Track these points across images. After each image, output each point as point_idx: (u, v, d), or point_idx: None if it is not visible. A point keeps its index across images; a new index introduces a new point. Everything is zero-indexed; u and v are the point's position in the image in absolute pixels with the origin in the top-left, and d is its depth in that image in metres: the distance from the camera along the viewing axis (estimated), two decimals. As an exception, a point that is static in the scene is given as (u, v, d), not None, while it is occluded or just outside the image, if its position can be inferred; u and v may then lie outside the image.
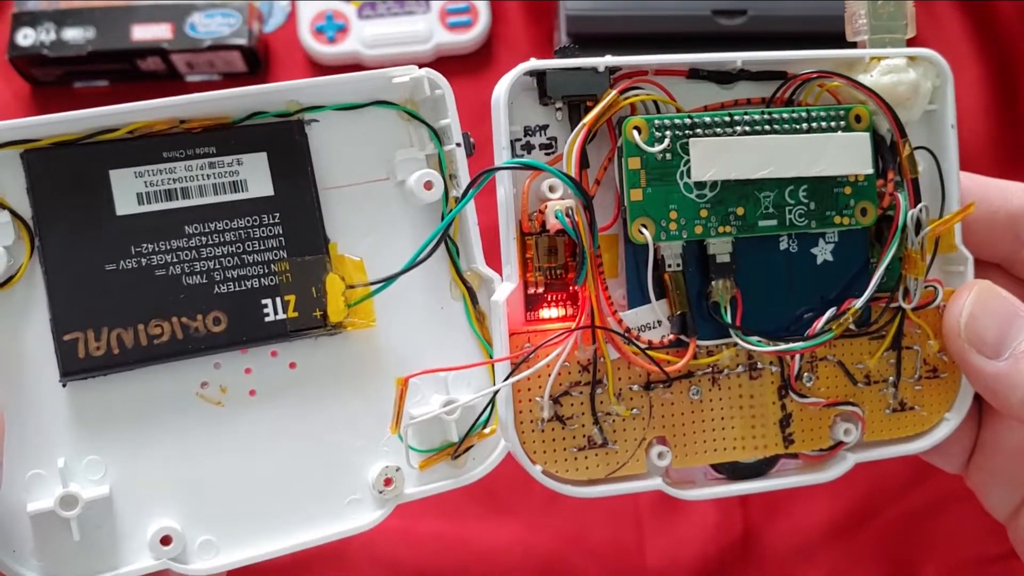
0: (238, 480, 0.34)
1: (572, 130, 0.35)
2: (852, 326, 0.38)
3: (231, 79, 0.71)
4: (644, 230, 0.35)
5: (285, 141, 0.35)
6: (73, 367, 0.33)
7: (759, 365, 0.38)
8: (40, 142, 0.33)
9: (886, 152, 0.38)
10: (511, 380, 0.34)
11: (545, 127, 0.36)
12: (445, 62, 0.72)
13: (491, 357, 0.36)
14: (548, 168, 0.35)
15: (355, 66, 0.71)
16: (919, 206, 0.37)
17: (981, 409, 0.40)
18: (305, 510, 0.34)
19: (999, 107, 0.68)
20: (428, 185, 0.35)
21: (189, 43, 0.68)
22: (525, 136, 0.36)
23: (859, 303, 0.37)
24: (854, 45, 0.39)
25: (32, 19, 0.69)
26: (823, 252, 0.38)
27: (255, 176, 0.34)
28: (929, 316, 0.39)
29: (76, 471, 0.33)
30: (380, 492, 0.34)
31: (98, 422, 0.33)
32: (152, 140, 0.34)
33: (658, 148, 0.35)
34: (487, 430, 0.35)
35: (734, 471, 0.38)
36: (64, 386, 0.33)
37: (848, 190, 0.37)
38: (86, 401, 0.33)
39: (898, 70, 0.38)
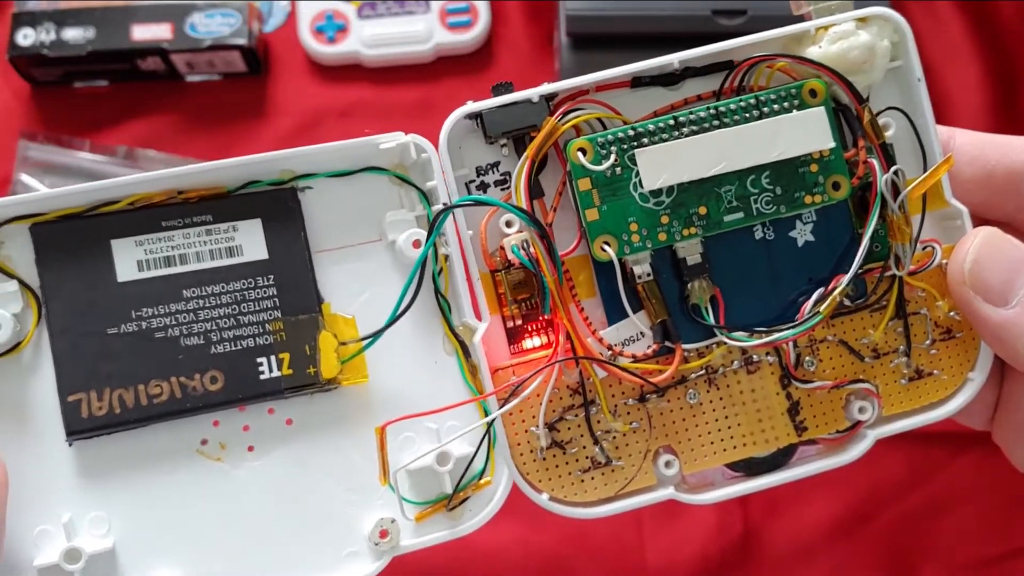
0: (238, 534, 0.35)
1: (520, 163, 0.36)
2: (848, 302, 0.37)
3: (231, 79, 0.72)
4: (607, 247, 0.36)
5: (279, 208, 0.36)
6: (77, 427, 0.34)
7: (755, 358, 0.37)
8: (47, 216, 0.35)
9: (852, 120, 0.37)
10: (491, 417, 0.35)
11: (496, 164, 0.37)
12: (445, 62, 0.72)
13: (476, 400, 0.36)
14: (497, 202, 0.36)
15: (355, 66, 0.72)
16: (892, 169, 0.36)
17: (1004, 363, 0.38)
18: (304, 563, 0.35)
19: (999, 107, 0.66)
20: (416, 244, 0.36)
21: (189, 43, 0.68)
22: (478, 176, 0.37)
23: (845, 281, 0.36)
24: (802, 18, 0.38)
25: (32, 19, 0.69)
26: (802, 234, 0.37)
27: (250, 241, 0.36)
28: (932, 277, 0.37)
29: (81, 526, 0.34)
30: (376, 544, 0.35)
31: (102, 479, 0.35)
32: (151, 210, 0.36)
33: (606, 165, 0.35)
34: (483, 481, 0.36)
35: (750, 467, 0.38)
36: (70, 445, 0.34)
37: (815, 168, 0.36)
38: (90, 459, 0.35)
39: (847, 35, 0.37)
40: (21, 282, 0.35)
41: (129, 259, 0.35)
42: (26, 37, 0.69)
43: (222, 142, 0.71)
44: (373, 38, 0.70)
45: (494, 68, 0.72)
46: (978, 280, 0.35)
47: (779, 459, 0.38)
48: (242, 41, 0.68)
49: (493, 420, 0.35)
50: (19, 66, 0.70)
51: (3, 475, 0.32)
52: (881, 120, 0.37)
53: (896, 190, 0.36)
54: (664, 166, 0.35)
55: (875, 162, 0.36)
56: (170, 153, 0.70)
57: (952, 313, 0.38)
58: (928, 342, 0.38)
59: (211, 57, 0.69)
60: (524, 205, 0.35)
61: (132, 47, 0.69)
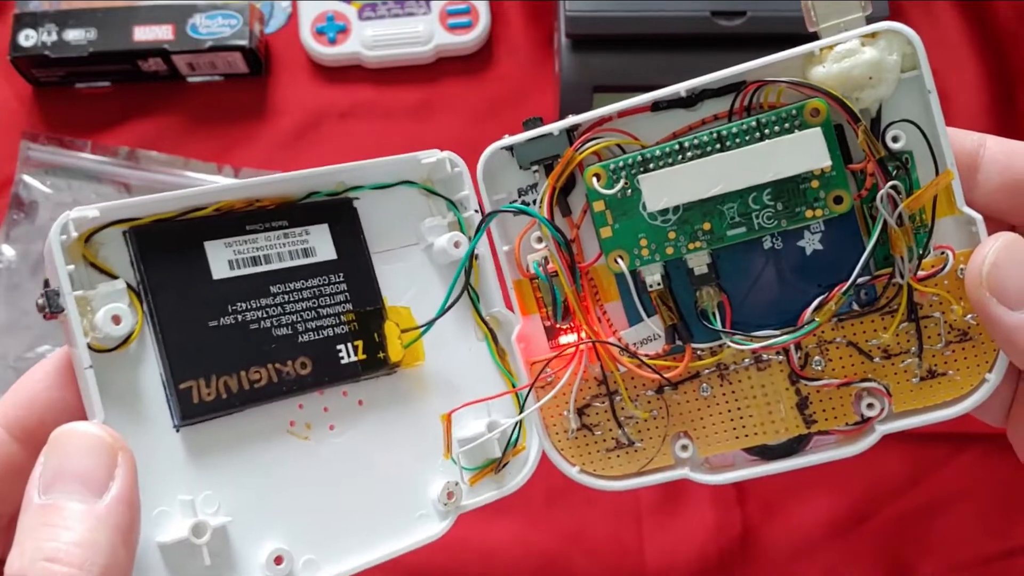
0: (327, 504, 0.40)
1: (552, 186, 0.42)
2: (856, 306, 0.40)
3: (232, 80, 0.72)
4: (619, 260, 0.40)
5: (341, 214, 0.42)
6: (190, 412, 0.37)
7: (764, 357, 0.41)
8: (143, 220, 0.38)
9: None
10: (534, 407, 0.42)
11: (534, 186, 0.43)
12: (445, 63, 0.73)
13: (513, 386, 0.43)
14: (533, 212, 0.41)
15: (356, 67, 0.72)
16: (888, 185, 0.38)
17: None
18: (383, 526, 0.41)
19: (999, 107, 0.62)
20: (457, 244, 0.43)
21: (190, 44, 0.69)
22: (519, 197, 0.43)
23: (841, 291, 0.39)
24: (816, 37, 0.40)
25: (34, 20, 0.69)
26: (811, 243, 0.40)
27: (320, 243, 0.42)
28: (948, 282, 0.39)
29: (195, 505, 0.37)
30: (444, 505, 0.42)
31: (207, 461, 0.38)
32: (235, 215, 0.39)
33: (616, 188, 0.40)
34: (518, 447, 0.42)
35: (765, 452, 0.42)
36: (178, 431, 0.37)
37: (815, 184, 0.39)
38: (195, 443, 0.38)
39: (851, 54, 0.38)
40: (128, 284, 0.37)
41: (221, 259, 0.39)
42: (28, 38, 0.69)
43: (223, 143, 0.72)
44: (374, 39, 0.71)
45: (494, 69, 0.72)
46: (994, 282, 0.36)
47: (793, 446, 0.42)
48: (243, 42, 0.69)
49: (531, 410, 0.42)
50: (21, 67, 0.71)
51: (132, 465, 0.34)
52: (892, 132, 0.39)
53: (895, 203, 0.38)
54: (665, 189, 0.39)
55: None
56: (172, 154, 0.71)
57: (969, 317, 0.39)
58: (942, 344, 0.39)
59: (212, 58, 0.70)
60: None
61: (134, 48, 0.69)
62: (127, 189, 0.72)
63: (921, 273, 0.39)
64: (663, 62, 0.66)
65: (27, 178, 0.72)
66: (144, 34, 0.70)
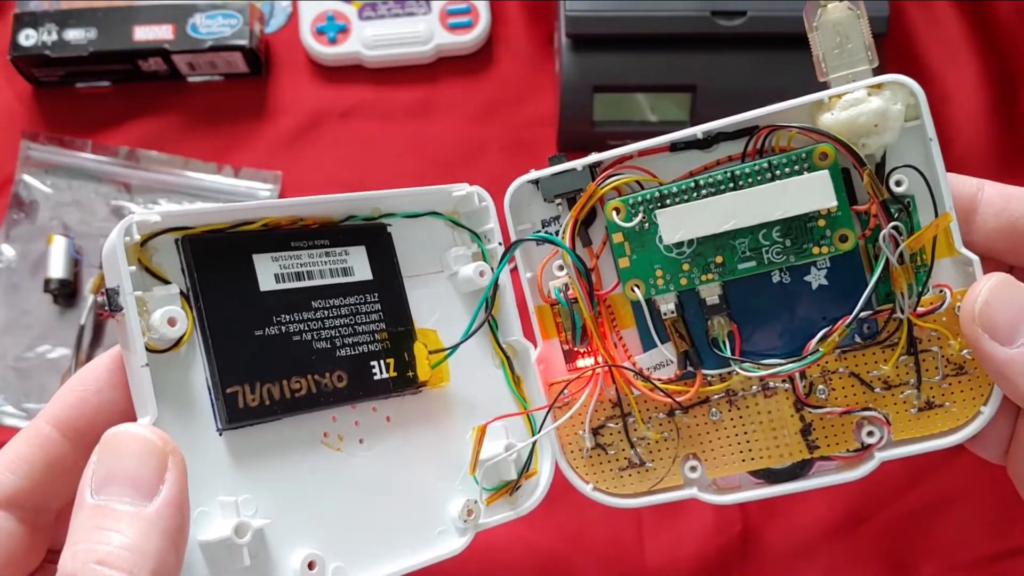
0: (355, 514, 0.41)
1: (574, 217, 0.44)
2: (859, 339, 0.42)
3: (233, 79, 0.72)
4: (636, 289, 0.43)
5: (377, 238, 0.45)
6: (236, 416, 0.38)
7: (771, 384, 0.43)
8: (195, 229, 0.39)
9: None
10: (551, 427, 0.44)
11: (557, 217, 0.45)
12: (445, 63, 0.73)
13: (527, 410, 0.45)
14: (556, 240, 0.44)
15: (356, 67, 0.72)
16: (890, 225, 0.40)
17: None
18: (406, 540, 0.42)
19: (999, 107, 0.63)
20: (482, 273, 0.45)
21: (190, 44, 0.69)
22: (543, 227, 0.45)
23: (845, 324, 0.41)
24: (827, 85, 0.42)
25: (34, 20, 0.69)
26: (817, 278, 0.43)
27: (358, 264, 0.44)
28: (945, 318, 0.41)
29: (237, 506, 0.38)
30: (464, 522, 0.44)
31: (248, 466, 0.39)
32: (282, 232, 0.41)
33: (635, 222, 0.43)
34: (530, 471, 0.45)
35: (770, 476, 0.44)
36: (221, 434, 0.38)
37: (822, 223, 0.41)
38: (238, 448, 0.39)
39: (858, 103, 0.41)
40: (182, 292, 0.38)
41: (268, 272, 0.40)
42: (28, 38, 0.70)
43: (223, 142, 0.72)
44: (374, 39, 0.72)
45: (494, 68, 0.73)
46: (986, 320, 0.39)
47: (797, 471, 0.44)
48: (243, 42, 0.69)
49: (547, 431, 0.44)
50: (21, 66, 0.71)
51: (183, 469, 0.35)
52: (895, 177, 0.41)
53: (896, 243, 0.40)
54: (680, 224, 0.42)
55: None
56: (172, 153, 0.71)
57: (965, 352, 0.41)
58: (939, 377, 0.42)
59: (212, 58, 0.70)
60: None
61: (134, 48, 0.69)
62: (127, 189, 0.72)
63: (920, 309, 0.41)
64: (663, 62, 0.67)
65: (27, 178, 0.72)
66: (144, 34, 0.70)
